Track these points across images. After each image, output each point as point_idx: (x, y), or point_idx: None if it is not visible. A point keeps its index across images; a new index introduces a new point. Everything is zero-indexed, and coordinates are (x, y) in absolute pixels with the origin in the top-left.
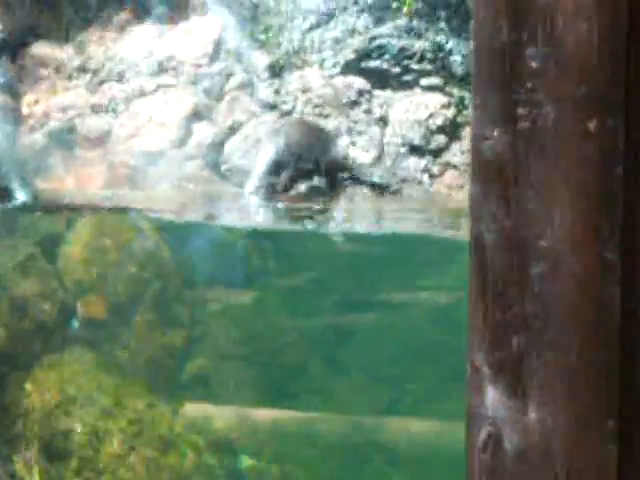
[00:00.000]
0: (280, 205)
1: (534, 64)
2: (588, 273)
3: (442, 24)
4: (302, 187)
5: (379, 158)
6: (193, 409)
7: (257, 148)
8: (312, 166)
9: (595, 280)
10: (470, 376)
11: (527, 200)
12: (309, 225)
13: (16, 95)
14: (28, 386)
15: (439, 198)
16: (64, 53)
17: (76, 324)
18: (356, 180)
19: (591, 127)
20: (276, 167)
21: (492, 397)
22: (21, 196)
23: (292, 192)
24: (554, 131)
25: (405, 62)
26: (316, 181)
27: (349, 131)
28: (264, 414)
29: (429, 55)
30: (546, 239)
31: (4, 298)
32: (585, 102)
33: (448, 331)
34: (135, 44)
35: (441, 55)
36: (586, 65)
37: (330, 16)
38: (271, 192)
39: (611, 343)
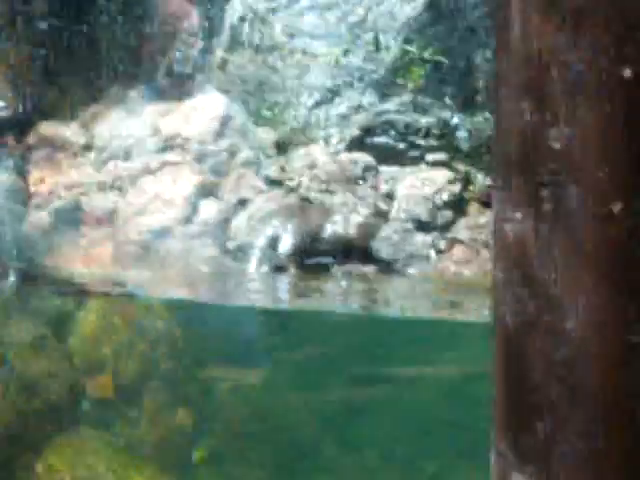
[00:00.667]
0: (284, 282)
1: (557, 145)
2: (613, 356)
3: (448, 100)
4: (305, 263)
5: (385, 234)
6: None
7: (262, 225)
8: (314, 242)
9: (620, 363)
10: (495, 463)
11: (551, 283)
12: (314, 302)
13: (23, 174)
14: (38, 467)
15: (446, 275)
16: (69, 131)
17: (86, 404)
18: (361, 257)
19: (615, 209)
20: (277, 244)
21: None
22: (29, 276)
23: (295, 269)
24: (578, 213)
25: (411, 138)
26: (320, 258)
27: (354, 207)
28: None
29: (435, 131)
30: (570, 322)
31: (14, 378)
32: (609, 184)
33: (460, 407)
34: (141, 122)
35: (447, 131)
36: (610, 145)
37: (335, 92)
38: (274, 269)
39: (638, 428)
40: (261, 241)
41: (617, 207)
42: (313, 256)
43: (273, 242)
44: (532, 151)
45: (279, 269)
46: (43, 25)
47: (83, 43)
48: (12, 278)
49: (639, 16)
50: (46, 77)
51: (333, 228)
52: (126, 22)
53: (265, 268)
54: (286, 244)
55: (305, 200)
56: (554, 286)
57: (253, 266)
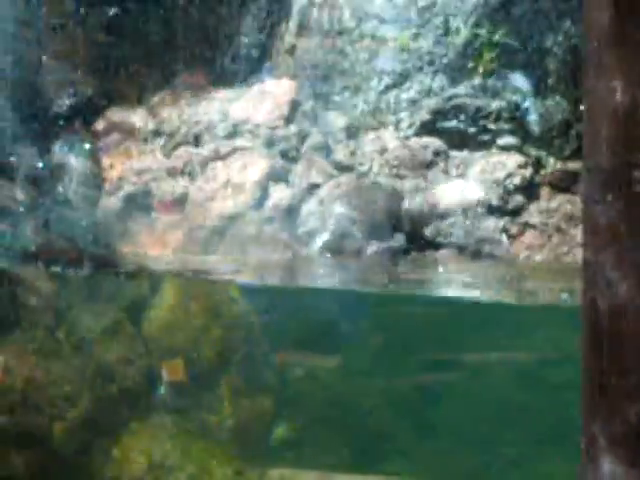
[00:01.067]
0: (358, 267)
1: None
2: None
3: (518, 83)
4: (375, 248)
5: (458, 218)
6: (281, 474)
7: (331, 210)
8: (389, 225)
9: None
10: (585, 447)
11: None
12: (389, 287)
13: (94, 160)
14: (115, 452)
15: (518, 259)
16: (138, 117)
17: (161, 389)
18: (434, 241)
19: None
20: (348, 228)
21: (609, 469)
22: (104, 261)
23: (368, 252)
24: None
25: (481, 122)
26: (394, 240)
27: (425, 190)
28: (351, 479)
29: (505, 115)
30: None
31: (91, 363)
32: None
33: (534, 392)
34: (210, 107)
35: (518, 115)
36: None
37: (405, 77)
38: (342, 253)
39: None
40: (326, 225)
41: None
42: (382, 239)
43: (338, 227)
44: (624, 132)
45: (344, 253)
46: (114, 10)
47: (158, 26)
48: (88, 263)
49: None
50: (117, 63)
51: (399, 211)
52: (203, 4)
53: (330, 251)
54: (350, 228)
55: (376, 184)
56: None
57: (317, 246)
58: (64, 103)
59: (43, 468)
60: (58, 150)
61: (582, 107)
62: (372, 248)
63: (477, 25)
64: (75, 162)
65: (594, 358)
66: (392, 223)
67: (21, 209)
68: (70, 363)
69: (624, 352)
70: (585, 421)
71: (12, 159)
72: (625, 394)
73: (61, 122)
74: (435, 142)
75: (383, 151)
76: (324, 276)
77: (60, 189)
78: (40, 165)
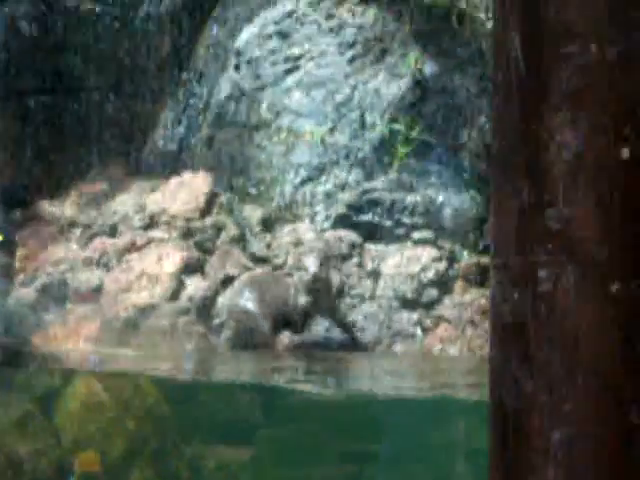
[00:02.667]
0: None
1: (556, 225)
2: (613, 437)
3: (433, 178)
4: (285, 340)
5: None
6: None
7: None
8: (294, 318)
9: (621, 444)
10: None
11: (549, 363)
12: (298, 382)
13: (9, 250)
14: None
15: (432, 353)
16: (55, 207)
17: None
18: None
19: (613, 289)
20: (253, 322)
21: None
22: (16, 352)
23: (277, 344)
24: (576, 293)
25: (396, 216)
26: (303, 335)
27: (341, 286)
28: None
29: (420, 209)
30: (569, 403)
31: (1, 456)
32: (607, 264)
33: None
34: (127, 198)
35: (432, 209)
36: (606, 225)
37: (321, 170)
38: (250, 347)
39: None
40: (236, 320)
41: (615, 287)
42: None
43: (248, 322)
44: (530, 231)
45: (257, 346)
46: (32, 102)
47: (74, 120)
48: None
49: (638, 98)
50: (36, 153)
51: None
52: (117, 99)
53: (234, 341)
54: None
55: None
56: (553, 367)
57: (223, 337)
58: None
59: None
60: None
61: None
62: (284, 341)
63: (393, 120)
64: None
65: (500, 455)
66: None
67: None
68: None
69: (530, 450)
70: None
71: None
72: None
73: None
74: (351, 235)
75: (299, 244)
76: (234, 369)
77: None
78: None
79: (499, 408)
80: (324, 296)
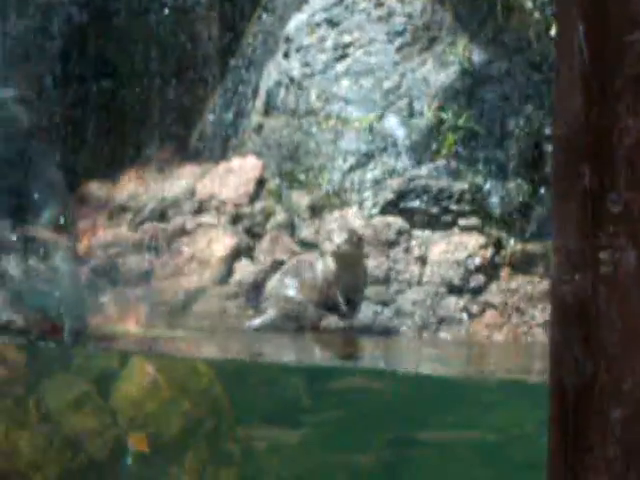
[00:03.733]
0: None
1: (616, 209)
2: None
3: (480, 166)
4: (331, 325)
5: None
6: None
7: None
8: (345, 300)
9: None
10: None
11: (609, 344)
12: (349, 362)
13: (71, 233)
14: None
15: (478, 339)
16: (105, 192)
17: (129, 460)
18: (394, 319)
19: None
20: (297, 305)
21: None
22: (75, 333)
23: (324, 325)
24: (636, 276)
25: (444, 203)
26: (350, 316)
27: (388, 272)
28: None
29: (467, 196)
30: (628, 383)
31: (58, 434)
32: None
33: (498, 471)
34: (176, 184)
35: (479, 196)
36: None
37: (370, 157)
38: (296, 326)
39: None
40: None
41: None
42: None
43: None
44: (591, 215)
45: (299, 326)
46: (95, 87)
47: (136, 105)
48: (67, 336)
49: None
50: (94, 138)
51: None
52: (180, 84)
53: (281, 322)
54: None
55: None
56: (612, 347)
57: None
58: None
59: None
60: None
61: (542, 190)
62: (330, 325)
63: (441, 108)
64: (47, 235)
65: (560, 435)
66: (350, 298)
67: None
68: (38, 433)
69: (589, 429)
70: None
71: None
72: (589, 469)
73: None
74: (398, 221)
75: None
76: (282, 352)
77: (31, 261)
78: (13, 238)
79: (559, 388)
80: (362, 279)
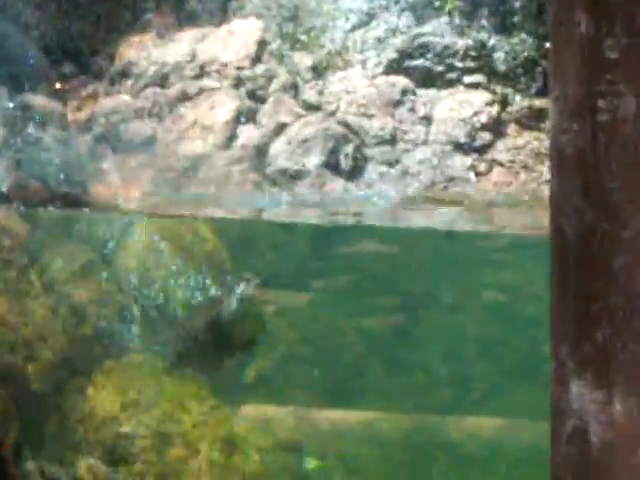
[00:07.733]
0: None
1: (614, 55)
2: None
3: (484, 21)
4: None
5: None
6: (255, 411)
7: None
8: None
9: None
10: (554, 370)
11: (609, 192)
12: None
13: (62, 101)
14: (89, 391)
15: (486, 196)
16: (104, 59)
17: (135, 328)
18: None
19: None
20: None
21: (577, 391)
22: (75, 201)
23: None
24: (634, 123)
25: (448, 60)
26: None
27: (394, 132)
28: (326, 415)
29: (472, 53)
30: (629, 230)
31: (64, 304)
32: None
33: (508, 328)
34: (177, 48)
35: (484, 52)
36: None
37: (372, 16)
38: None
39: None
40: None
41: None
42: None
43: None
44: (588, 61)
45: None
46: None
47: None
48: (59, 203)
49: None
50: (85, 4)
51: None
52: None
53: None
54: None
55: (343, 124)
56: (613, 195)
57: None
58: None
59: (17, 407)
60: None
61: (548, 44)
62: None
63: None
64: (44, 103)
65: (562, 285)
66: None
67: None
68: (43, 303)
69: (591, 278)
70: (554, 346)
71: None
72: (592, 318)
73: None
74: (402, 81)
75: (350, 90)
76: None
77: (30, 130)
78: (10, 106)
79: (560, 236)
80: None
